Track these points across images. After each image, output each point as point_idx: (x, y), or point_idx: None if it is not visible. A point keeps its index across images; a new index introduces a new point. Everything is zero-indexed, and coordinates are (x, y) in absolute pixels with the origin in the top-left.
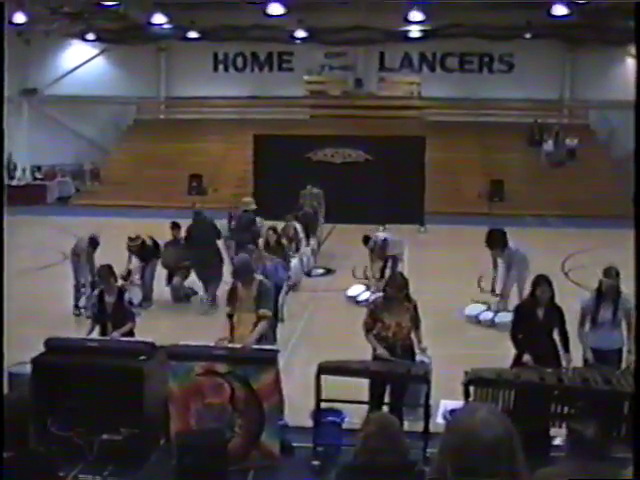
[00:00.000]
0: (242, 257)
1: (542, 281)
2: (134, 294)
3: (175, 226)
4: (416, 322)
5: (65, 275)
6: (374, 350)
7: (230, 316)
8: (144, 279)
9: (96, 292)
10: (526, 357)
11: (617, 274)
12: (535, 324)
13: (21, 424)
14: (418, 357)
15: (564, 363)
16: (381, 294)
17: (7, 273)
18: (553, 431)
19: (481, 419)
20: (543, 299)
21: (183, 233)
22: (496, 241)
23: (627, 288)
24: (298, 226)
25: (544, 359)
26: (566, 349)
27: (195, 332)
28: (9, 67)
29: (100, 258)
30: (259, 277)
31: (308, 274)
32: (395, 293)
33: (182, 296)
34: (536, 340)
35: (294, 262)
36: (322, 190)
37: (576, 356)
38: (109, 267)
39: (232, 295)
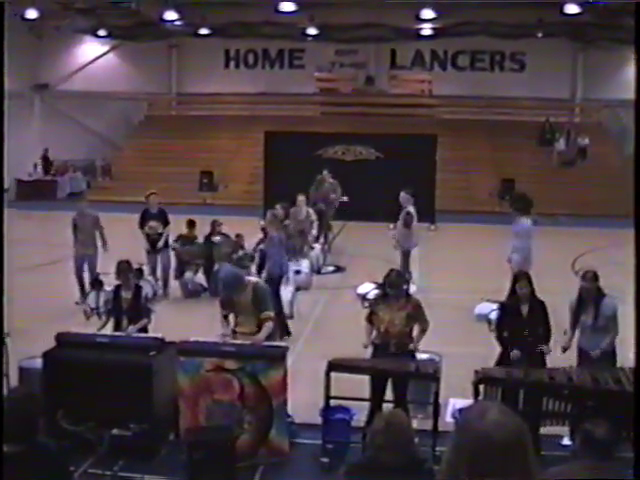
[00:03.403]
0: (230, 270)
1: (521, 277)
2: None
3: (191, 224)
4: (419, 322)
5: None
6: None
7: (225, 316)
8: (162, 270)
9: (111, 287)
10: (514, 352)
11: (595, 278)
12: (520, 321)
13: (31, 418)
14: (427, 355)
15: (545, 349)
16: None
17: (16, 268)
18: (562, 430)
19: (493, 421)
20: (524, 295)
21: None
22: (521, 202)
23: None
24: (314, 217)
25: (530, 355)
26: (546, 341)
27: (204, 328)
28: (21, 62)
29: (112, 254)
30: (252, 279)
31: (318, 271)
32: (389, 290)
33: (192, 291)
34: (522, 336)
35: (305, 264)
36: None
37: (571, 354)
38: (127, 263)
39: (228, 299)
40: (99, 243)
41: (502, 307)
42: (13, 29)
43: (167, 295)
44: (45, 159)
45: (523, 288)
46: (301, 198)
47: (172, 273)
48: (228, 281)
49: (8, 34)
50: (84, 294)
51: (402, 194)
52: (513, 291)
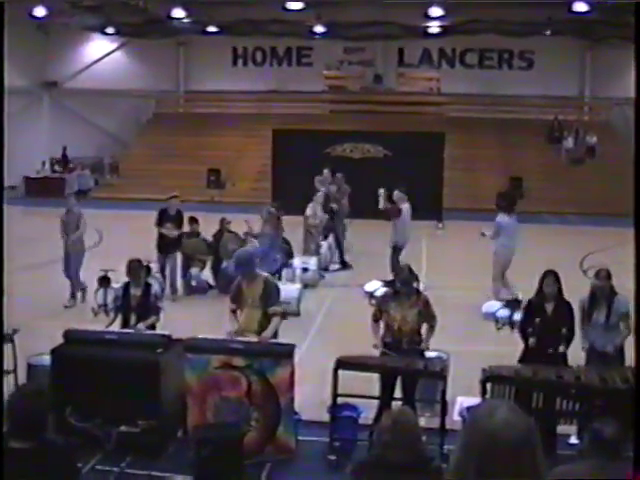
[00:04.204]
0: (245, 250)
1: (548, 275)
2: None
3: (193, 220)
4: (427, 319)
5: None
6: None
7: (234, 311)
8: (170, 271)
9: (120, 284)
10: (531, 340)
11: (609, 276)
12: (544, 319)
13: (39, 415)
14: (435, 353)
15: (561, 348)
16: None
17: (24, 264)
18: (570, 429)
19: (502, 419)
20: (550, 293)
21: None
22: (505, 199)
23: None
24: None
25: (552, 354)
26: (568, 343)
27: (212, 325)
28: (29, 60)
29: (119, 251)
30: (264, 274)
31: (325, 269)
32: (401, 287)
33: (195, 288)
34: (545, 335)
35: (312, 262)
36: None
37: (580, 353)
38: (139, 261)
39: (237, 292)
40: (86, 240)
41: (527, 304)
42: (21, 27)
43: (175, 300)
44: (64, 157)
45: (549, 286)
46: (320, 194)
47: (179, 273)
48: (240, 258)
49: (17, 32)
50: (85, 291)
51: (396, 192)
52: (540, 289)
